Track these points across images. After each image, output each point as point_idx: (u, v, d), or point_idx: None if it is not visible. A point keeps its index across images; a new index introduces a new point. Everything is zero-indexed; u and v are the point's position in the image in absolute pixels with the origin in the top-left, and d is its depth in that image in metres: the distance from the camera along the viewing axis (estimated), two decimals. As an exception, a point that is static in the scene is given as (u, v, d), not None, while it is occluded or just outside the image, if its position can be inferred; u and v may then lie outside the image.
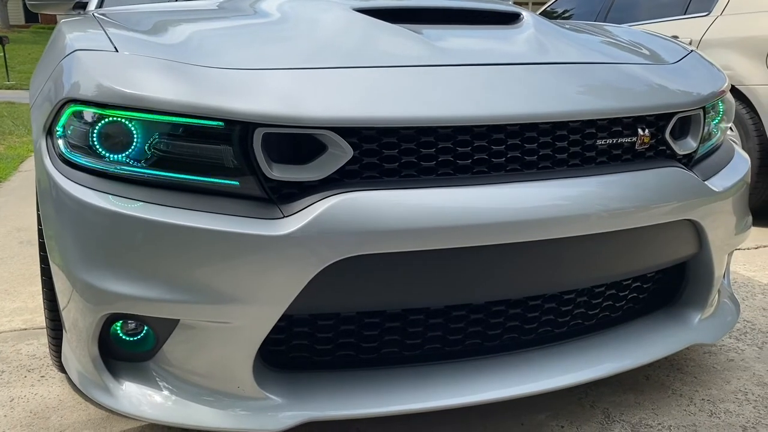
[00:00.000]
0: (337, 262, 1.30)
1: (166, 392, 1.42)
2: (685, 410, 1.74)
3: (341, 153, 1.34)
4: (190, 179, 1.34)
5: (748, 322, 2.29)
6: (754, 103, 3.48)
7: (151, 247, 1.31)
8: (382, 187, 1.35)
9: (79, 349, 1.46)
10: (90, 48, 1.46)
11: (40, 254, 1.67)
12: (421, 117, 1.36)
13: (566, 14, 5.21)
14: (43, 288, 1.69)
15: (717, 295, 1.86)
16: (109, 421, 1.71)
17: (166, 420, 1.40)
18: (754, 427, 1.66)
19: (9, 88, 15.84)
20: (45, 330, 2.24)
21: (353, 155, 1.34)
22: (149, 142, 1.34)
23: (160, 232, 1.30)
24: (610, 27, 2.30)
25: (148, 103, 1.32)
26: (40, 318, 2.37)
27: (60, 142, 1.41)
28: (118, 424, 1.69)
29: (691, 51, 1.97)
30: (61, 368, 1.76)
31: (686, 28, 3.89)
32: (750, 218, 1.87)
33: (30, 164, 5.79)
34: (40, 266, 1.68)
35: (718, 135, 1.89)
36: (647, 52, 1.87)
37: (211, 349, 1.35)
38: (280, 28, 1.66)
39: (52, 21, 30.69)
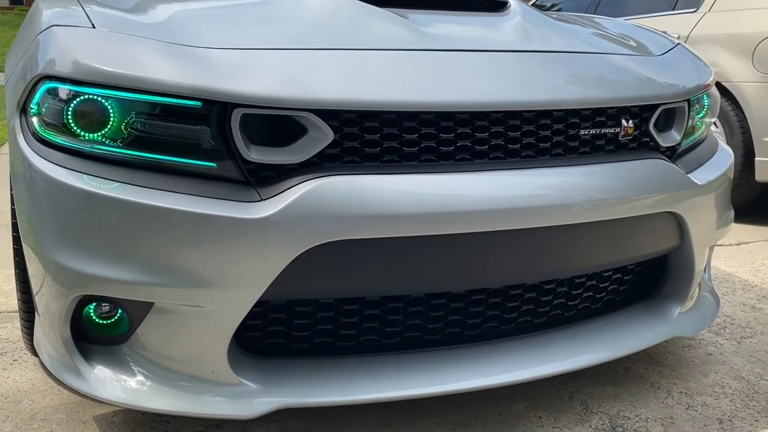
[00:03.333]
0: (315, 247, 1.28)
1: (139, 377, 1.39)
2: (662, 403, 1.75)
3: (321, 136, 1.31)
4: (166, 160, 1.31)
5: (728, 317, 2.30)
6: (739, 101, 3.50)
7: (125, 229, 1.28)
8: (363, 171, 1.33)
9: (51, 331, 1.43)
10: (66, 24, 1.43)
11: (12, 235, 1.63)
12: (403, 102, 1.35)
13: (554, 8, 5.20)
14: (15, 269, 1.66)
15: (697, 289, 1.87)
16: (82, 406, 1.68)
17: (138, 405, 1.37)
18: (730, 420, 1.67)
19: (-9, 71, 15.58)
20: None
21: (334, 139, 1.32)
22: (125, 121, 1.31)
23: (134, 213, 1.27)
24: (598, 18, 2.29)
25: (125, 81, 1.29)
26: (14, 302, 2.33)
27: (34, 119, 1.38)
28: (91, 409, 1.67)
29: (678, 44, 1.97)
30: (34, 352, 1.72)
31: (674, 23, 3.90)
32: (732, 213, 1.87)
33: (6, 148, 5.70)
34: (13, 247, 1.65)
35: (702, 129, 1.88)
36: (634, 44, 1.86)
37: (185, 333, 1.33)
38: (263, 9, 1.64)
39: (37, 4, 30.25)
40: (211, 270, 1.27)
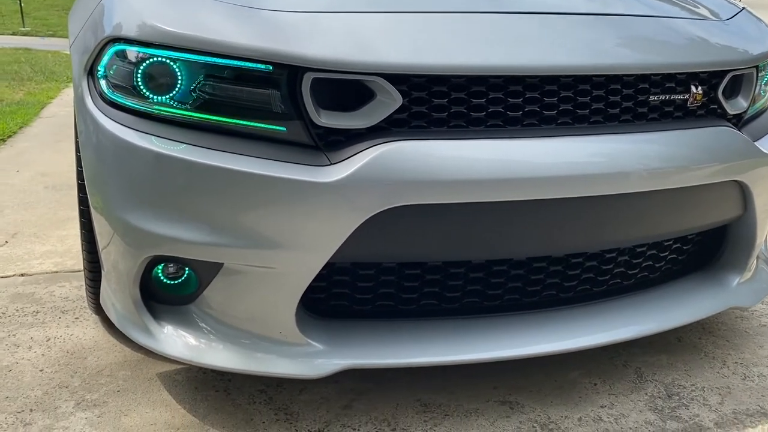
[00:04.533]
0: (382, 211, 1.29)
1: (205, 335, 1.42)
2: (718, 372, 1.74)
3: (390, 101, 1.31)
4: (235, 123, 1.31)
5: (780, 288, 2.27)
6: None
7: (195, 190, 1.30)
8: (430, 137, 1.32)
9: (119, 290, 1.46)
10: (133, -14, 1.43)
11: (79, 196, 1.66)
12: (471, 66, 1.33)
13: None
14: (81, 230, 1.69)
15: (755, 261, 1.84)
16: (145, 364, 1.72)
17: (205, 362, 1.41)
18: (788, 392, 1.66)
19: (25, 35, 15.76)
20: (76, 273, 2.27)
21: (402, 103, 1.31)
22: (194, 84, 1.32)
23: (204, 174, 1.28)
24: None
25: (195, 44, 1.29)
26: (70, 261, 2.39)
27: (102, 82, 1.39)
28: (154, 367, 1.71)
29: (743, 8, 1.91)
30: (98, 310, 1.77)
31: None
32: (794, 184, 1.83)
33: (50, 111, 5.78)
34: (79, 208, 1.68)
35: (765, 97, 1.84)
36: (700, 9, 1.81)
37: (254, 293, 1.35)
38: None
39: (67, -33, 30.21)
40: (282, 232, 1.28)
